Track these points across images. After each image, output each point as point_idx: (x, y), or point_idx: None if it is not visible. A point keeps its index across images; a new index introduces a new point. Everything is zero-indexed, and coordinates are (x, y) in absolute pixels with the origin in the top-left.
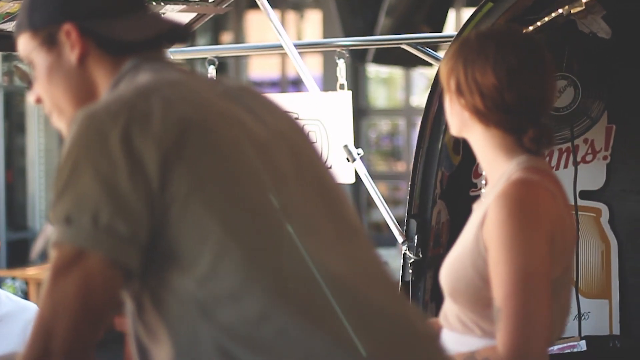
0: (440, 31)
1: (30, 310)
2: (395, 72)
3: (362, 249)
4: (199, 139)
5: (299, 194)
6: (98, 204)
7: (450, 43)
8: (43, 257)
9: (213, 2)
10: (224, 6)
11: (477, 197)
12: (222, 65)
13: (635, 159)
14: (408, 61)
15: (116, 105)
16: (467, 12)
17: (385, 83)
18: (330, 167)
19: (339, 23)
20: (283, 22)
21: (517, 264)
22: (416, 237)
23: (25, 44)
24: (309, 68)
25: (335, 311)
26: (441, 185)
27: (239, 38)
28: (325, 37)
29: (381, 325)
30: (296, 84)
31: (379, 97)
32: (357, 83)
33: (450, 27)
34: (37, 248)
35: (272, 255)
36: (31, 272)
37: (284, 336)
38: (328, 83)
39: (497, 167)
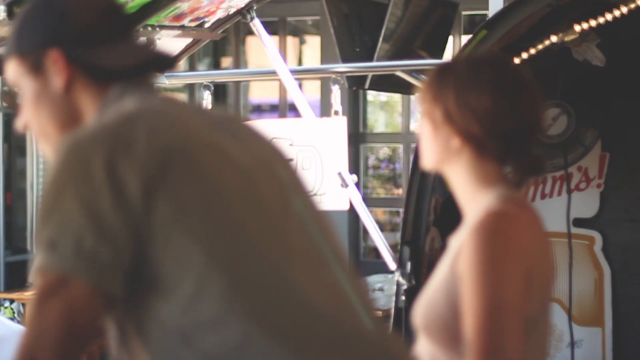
0: (440, 58)
1: None
2: (394, 97)
3: (345, 277)
4: (182, 168)
5: (282, 222)
6: (81, 230)
7: None
8: None
9: (208, 28)
10: (219, 32)
11: None
12: (222, 88)
13: (628, 187)
14: (405, 87)
15: (100, 133)
16: (465, 39)
17: (385, 108)
18: (324, 194)
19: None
20: (283, 47)
21: (488, 297)
22: (409, 264)
23: (13, 69)
24: (307, 93)
25: (316, 340)
26: (435, 212)
27: (239, 63)
28: (324, 62)
29: (361, 355)
30: (295, 108)
31: (378, 121)
32: (356, 108)
33: (448, 54)
34: (34, 271)
35: (254, 283)
36: (29, 294)
37: None
38: (326, 108)
39: (475, 199)
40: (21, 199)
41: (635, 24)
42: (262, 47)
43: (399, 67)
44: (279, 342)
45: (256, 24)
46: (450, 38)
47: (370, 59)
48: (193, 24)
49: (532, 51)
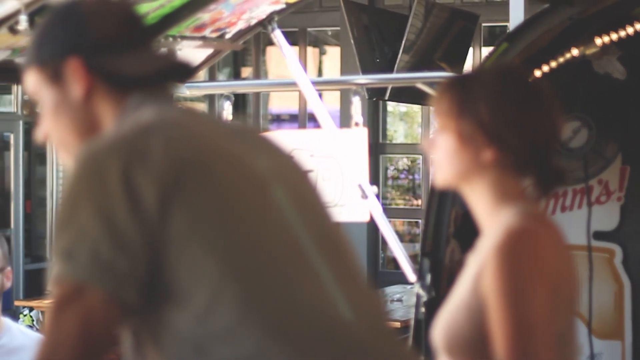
0: (460, 70)
1: None
2: (414, 108)
3: (359, 290)
4: (198, 179)
5: (298, 235)
6: (98, 240)
7: None
8: None
9: (229, 38)
10: (240, 42)
11: None
12: (242, 98)
13: None
14: (425, 98)
15: (117, 143)
16: (485, 51)
17: (404, 119)
18: (344, 205)
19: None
20: (303, 58)
21: (518, 318)
22: (429, 275)
23: (33, 79)
24: (327, 103)
25: (330, 353)
26: (455, 224)
27: (259, 73)
28: (344, 72)
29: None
30: (315, 118)
31: (397, 132)
32: (376, 118)
33: (468, 65)
34: (51, 280)
35: (269, 295)
36: (48, 303)
37: None
38: (346, 118)
39: (495, 215)
40: (41, 207)
41: None
42: (282, 57)
43: (420, 79)
44: (293, 353)
45: (277, 35)
46: (470, 50)
47: (390, 70)
48: (214, 35)
49: (553, 64)
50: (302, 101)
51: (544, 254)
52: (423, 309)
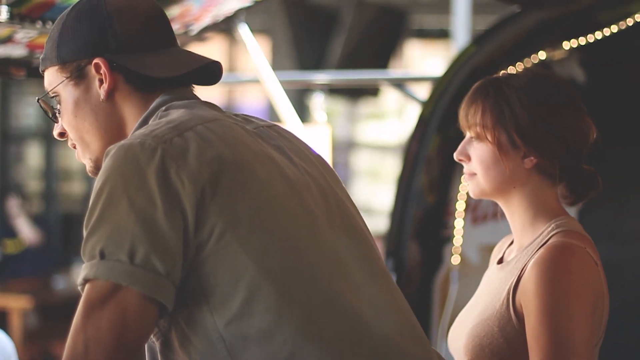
0: (386, 67)
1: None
2: (337, 107)
3: (389, 291)
4: (234, 177)
5: (329, 235)
6: (134, 240)
7: (432, 83)
8: None
9: (195, 35)
10: (203, 38)
11: (447, 239)
12: None
13: (607, 204)
14: (354, 92)
15: (152, 140)
16: (416, 48)
17: (328, 116)
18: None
19: (288, 54)
20: (229, 52)
21: (559, 335)
22: (394, 275)
23: (52, 78)
24: (254, 99)
25: (362, 354)
26: (415, 224)
27: None
28: (274, 68)
29: None
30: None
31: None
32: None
33: (396, 64)
34: (81, 280)
35: (304, 296)
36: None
37: None
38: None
39: (533, 228)
40: None
41: (618, 43)
42: (208, 49)
43: (385, 79)
44: (326, 356)
45: (244, 31)
46: (405, 48)
47: (321, 67)
48: (181, 31)
49: (519, 67)
50: (229, 98)
51: (586, 270)
52: None
